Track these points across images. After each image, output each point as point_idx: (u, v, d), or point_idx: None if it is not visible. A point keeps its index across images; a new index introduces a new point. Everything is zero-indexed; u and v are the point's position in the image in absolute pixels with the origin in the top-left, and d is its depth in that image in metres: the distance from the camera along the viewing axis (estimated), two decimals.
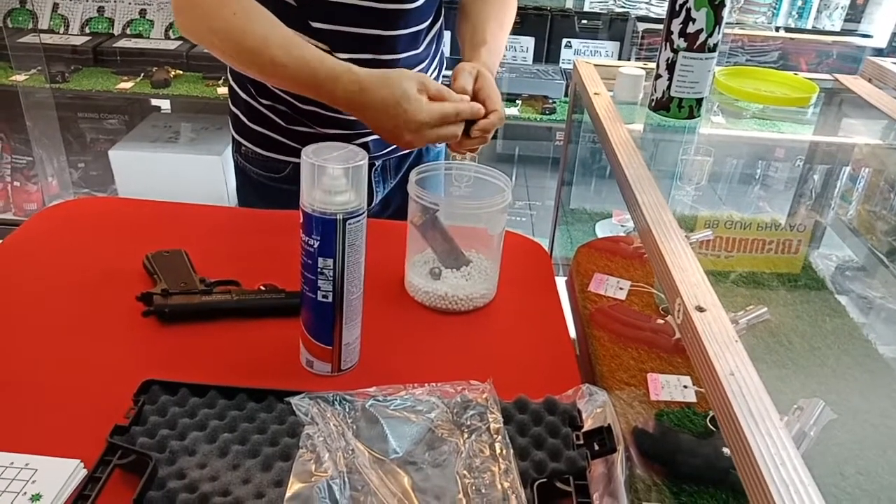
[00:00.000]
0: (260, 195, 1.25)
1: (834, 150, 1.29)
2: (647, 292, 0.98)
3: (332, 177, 0.74)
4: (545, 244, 1.88)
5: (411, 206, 0.93)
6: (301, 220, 0.75)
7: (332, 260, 0.74)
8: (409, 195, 0.92)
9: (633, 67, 1.11)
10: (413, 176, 0.93)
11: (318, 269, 0.75)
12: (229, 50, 0.96)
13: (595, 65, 1.16)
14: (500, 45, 1.11)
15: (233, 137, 1.23)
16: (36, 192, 2.60)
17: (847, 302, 1.05)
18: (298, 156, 1.14)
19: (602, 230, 2.20)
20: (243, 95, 1.17)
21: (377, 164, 1.19)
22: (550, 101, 2.55)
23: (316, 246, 0.74)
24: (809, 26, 3.05)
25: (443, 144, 1.32)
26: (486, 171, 0.96)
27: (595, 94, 1.03)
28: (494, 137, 2.95)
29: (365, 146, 1.13)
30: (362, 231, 0.76)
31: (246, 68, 0.99)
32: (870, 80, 1.21)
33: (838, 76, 1.23)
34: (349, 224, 0.74)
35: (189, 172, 2.45)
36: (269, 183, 1.22)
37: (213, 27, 0.95)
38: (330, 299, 0.75)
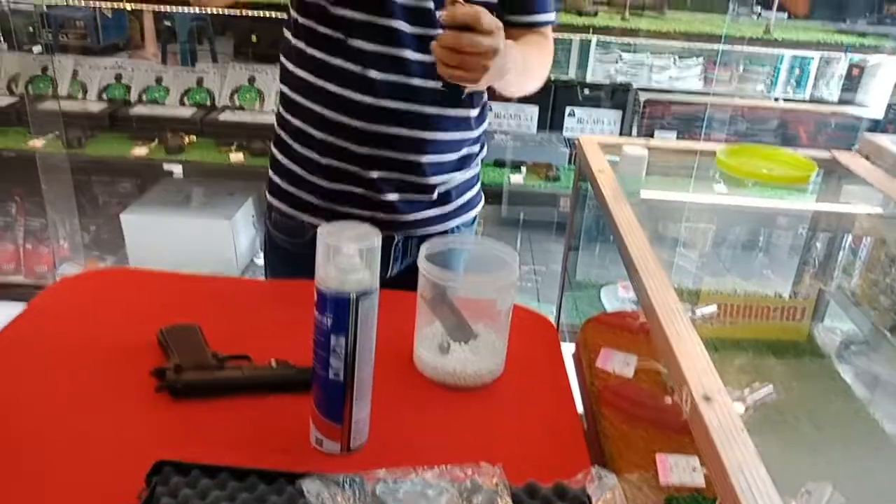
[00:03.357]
0: (285, 262, 1.28)
1: (833, 226, 1.32)
2: (654, 369, 0.99)
3: (347, 255, 0.76)
4: (552, 311, 1.89)
5: (421, 281, 0.95)
6: (315, 298, 0.76)
7: (344, 338, 0.76)
8: (420, 270, 0.94)
9: (636, 146, 1.14)
10: (423, 250, 0.95)
11: (331, 348, 0.76)
12: None
13: (599, 143, 1.19)
14: (526, 59, 1.09)
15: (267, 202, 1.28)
16: (47, 255, 2.64)
17: (852, 378, 1.06)
18: (318, 217, 1.19)
19: (607, 297, 2.22)
20: (275, 151, 1.23)
21: (398, 237, 1.22)
22: (555, 168, 2.60)
23: (329, 324, 0.76)
24: (808, 94, 3.12)
25: (470, 229, 1.34)
26: (493, 245, 0.99)
27: (599, 171, 1.06)
28: (499, 203, 3.00)
29: (392, 206, 1.17)
30: (374, 309, 0.77)
31: None
32: (867, 157, 1.24)
33: (836, 153, 1.26)
34: (362, 302, 0.75)
35: (199, 236, 2.49)
36: (292, 248, 1.25)
37: None
38: (341, 378, 0.76)
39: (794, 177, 1.11)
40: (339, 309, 0.75)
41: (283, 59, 1.19)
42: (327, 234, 0.77)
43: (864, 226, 1.26)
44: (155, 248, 2.53)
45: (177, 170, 2.83)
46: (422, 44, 1.05)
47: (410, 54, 1.08)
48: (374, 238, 0.77)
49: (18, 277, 2.65)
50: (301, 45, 1.13)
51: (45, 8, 2.42)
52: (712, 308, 1.12)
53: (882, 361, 1.14)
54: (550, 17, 1.18)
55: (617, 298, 2.18)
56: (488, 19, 0.89)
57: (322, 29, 1.10)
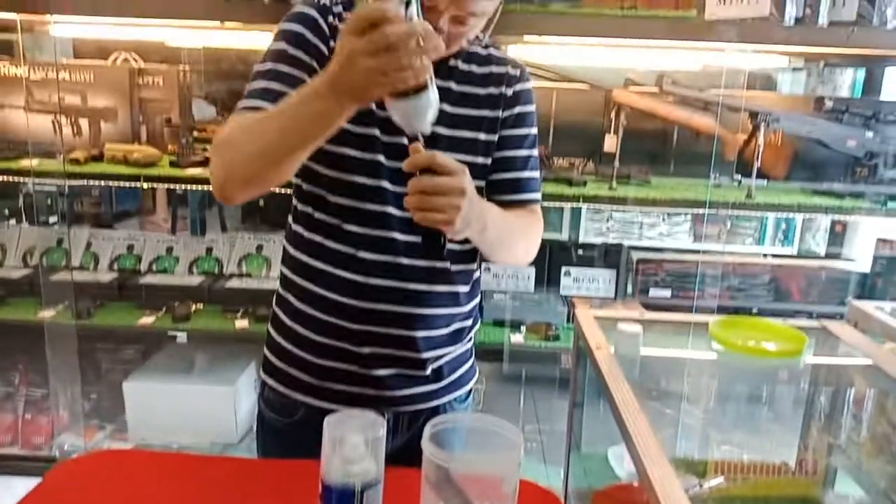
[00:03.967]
0: (275, 440, 1.28)
1: (830, 397, 1.33)
2: None
3: (352, 445, 0.77)
4: (559, 474, 1.85)
5: (425, 462, 0.95)
6: (319, 490, 0.77)
7: None
8: (423, 452, 0.94)
9: (630, 323, 1.18)
10: (427, 430, 0.96)
11: None
12: (249, 151, 1.01)
13: (595, 316, 1.24)
14: (508, 219, 1.16)
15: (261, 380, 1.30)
16: (46, 426, 2.61)
17: None
18: (310, 394, 1.22)
19: (615, 458, 2.17)
20: (271, 330, 1.27)
21: (388, 414, 1.23)
22: (554, 327, 2.64)
23: None
24: (796, 247, 3.22)
25: (464, 404, 1.34)
26: (498, 424, 1.00)
27: (596, 348, 1.10)
28: (500, 360, 3.01)
29: (382, 381, 1.19)
30: (379, 500, 0.78)
31: (264, 147, 1.00)
32: (855, 325, 1.28)
33: (826, 323, 1.30)
34: (367, 494, 0.76)
35: (201, 403, 2.48)
36: (283, 428, 1.26)
37: (234, 158, 1.03)
38: None
39: (787, 351, 1.15)
40: (344, 501, 0.76)
41: (285, 242, 1.27)
42: (333, 425, 0.79)
43: (860, 394, 1.28)
44: (155, 416, 2.51)
45: (181, 335, 2.87)
46: (409, 226, 1.13)
47: (399, 236, 1.16)
48: (380, 427, 0.79)
49: (14, 449, 2.60)
50: (300, 229, 1.21)
51: (66, 188, 2.56)
52: (719, 479, 1.11)
53: None
54: (536, 195, 1.27)
55: (624, 461, 2.13)
56: (446, 160, 0.95)
57: (319, 215, 1.18)
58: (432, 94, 0.90)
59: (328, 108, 0.92)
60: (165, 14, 2.13)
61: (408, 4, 0.84)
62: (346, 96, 0.90)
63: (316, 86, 0.93)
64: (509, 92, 1.21)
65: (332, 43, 1.11)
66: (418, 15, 0.85)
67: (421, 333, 1.20)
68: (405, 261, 1.17)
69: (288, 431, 1.26)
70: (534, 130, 1.25)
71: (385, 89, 0.88)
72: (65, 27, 2.26)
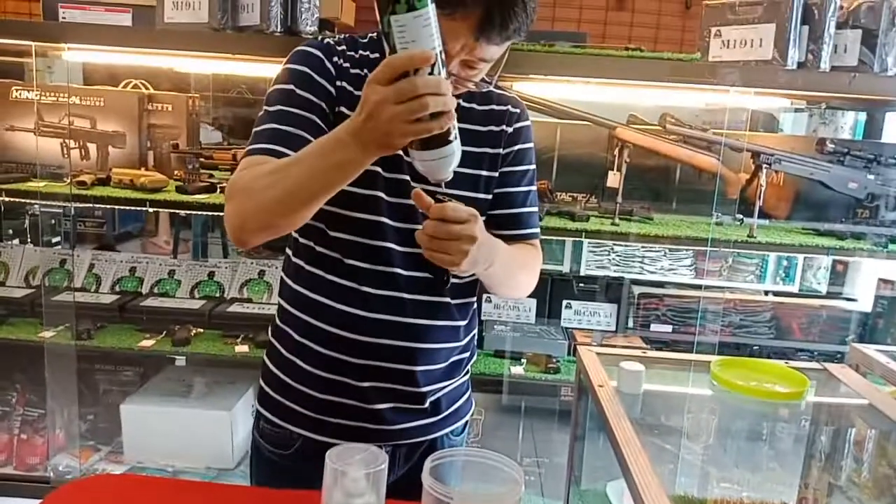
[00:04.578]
0: (270, 472, 1.28)
1: (830, 440, 1.33)
2: None
3: (353, 479, 0.78)
4: None
5: (425, 496, 0.95)
6: None
7: None
8: (423, 485, 0.94)
9: (633, 362, 1.19)
10: (428, 464, 0.96)
11: None
12: (268, 198, 1.00)
13: (597, 353, 1.24)
14: (513, 255, 1.17)
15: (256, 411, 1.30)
16: (41, 446, 2.59)
17: None
18: (307, 428, 1.22)
19: (613, 492, 2.16)
20: (268, 362, 1.28)
21: (386, 448, 1.22)
22: (554, 359, 2.63)
23: None
24: (797, 285, 3.22)
25: (460, 436, 1.34)
26: (498, 459, 1.00)
27: (599, 386, 1.10)
28: (499, 391, 3.00)
29: (381, 415, 1.19)
30: None
31: (285, 195, 1.00)
32: (857, 368, 1.28)
33: (827, 366, 1.30)
34: None
35: (198, 427, 2.47)
36: (278, 460, 1.25)
37: (255, 200, 1.02)
38: None
39: (789, 394, 1.15)
40: None
41: (283, 275, 1.27)
42: (335, 458, 0.79)
43: (861, 436, 1.28)
44: (152, 439, 2.50)
45: (180, 359, 2.86)
46: (411, 261, 1.14)
47: (401, 271, 1.17)
48: (382, 462, 0.79)
49: (7, 469, 2.58)
50: (300, 262, 1.22)
51: (72, 210, 2.58)
52: None
53: None
54: (535, 230, 1.29)
55: (623, 497, 2.12)
56: (458, 209, 0.97)
57: (320, 249, 1.19)
58: (455, 144, 0.91)
59: (353, 157, 0.93)
60: (178, 46, 2.16)
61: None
62: (373, 144, 0.91)
63: (340, 135, 0.94)
64: (510, 129, 1.23)
65: (338, 83, 1.13)
66: (442, 65, 0.86)
67: (421, 368, 1.21)
68: (407, 296, 1.18)
69: (283, 463, 1.25)
70: (532, 167, 1.27)
71: (410, 137, 0.88)
72: (77, 53, 2.29)
